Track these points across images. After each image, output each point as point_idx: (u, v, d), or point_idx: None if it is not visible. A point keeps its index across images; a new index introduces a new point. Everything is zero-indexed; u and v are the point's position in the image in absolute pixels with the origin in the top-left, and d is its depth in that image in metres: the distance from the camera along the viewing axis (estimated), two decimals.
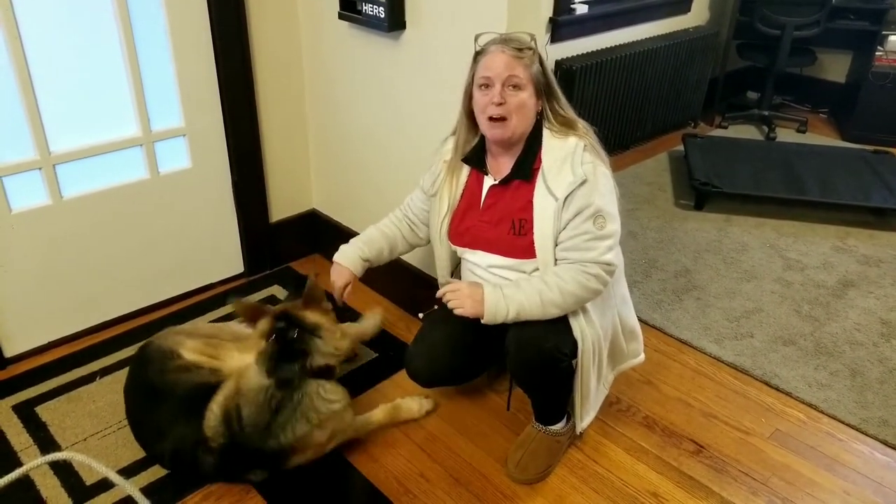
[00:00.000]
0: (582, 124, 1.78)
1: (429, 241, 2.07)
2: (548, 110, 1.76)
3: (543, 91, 1.74)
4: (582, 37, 3.70)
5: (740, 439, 2.10)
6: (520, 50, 1.68)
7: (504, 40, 1.70)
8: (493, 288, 1.72)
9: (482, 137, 1.81)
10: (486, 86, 1.69)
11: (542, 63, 1.72)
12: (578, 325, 1.77)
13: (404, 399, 2.13)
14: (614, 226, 1.71)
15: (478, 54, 1.73)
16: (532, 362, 1.79)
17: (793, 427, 2.16)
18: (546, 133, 1.75)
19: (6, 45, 2.03)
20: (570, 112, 1.78)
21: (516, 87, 1.68)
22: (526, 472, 1.93)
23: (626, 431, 2.12)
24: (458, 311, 1.73)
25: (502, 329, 1.79)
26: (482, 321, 1.72)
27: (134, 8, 2.23)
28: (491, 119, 1.70)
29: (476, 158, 1.85)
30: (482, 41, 1.74)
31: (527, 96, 1.70)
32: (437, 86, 2.26)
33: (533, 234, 1.75)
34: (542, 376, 1.83)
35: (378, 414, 2.07)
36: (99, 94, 2.28)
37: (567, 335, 1.76)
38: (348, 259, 1.97)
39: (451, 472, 1.95)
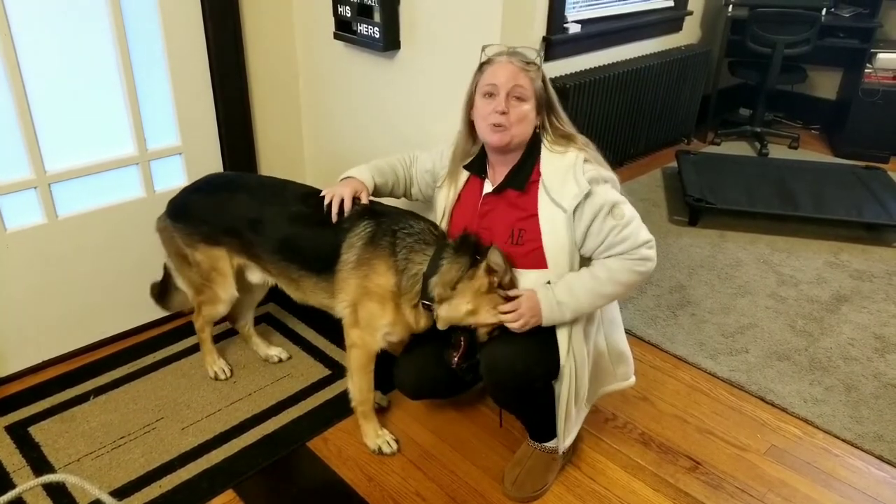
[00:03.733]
0: (581, 139, 1.80)
1: (415, 200, 2.11)
2: (547, 124, 1.78)
3: (544, 105, 1.76)
4: (575, 55, 3.74)
5: (736, 455, 2.10)
6: (527, 63, 1.72)
7: (511, 52, 1.74)
8: (545, 294, 1.71)
9: (484, 146, 1.83)
10: (491, 94, 1.72)
11: (544, 79, 1.76)
12: (563, 347, 1.76)
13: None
14: (629, 208, 1.73)
15: (483, 64, 1.76)
16: (505, 385, 1.81)
17: (788, 442, 2.16)
18: (544, 146, 1.77)
19: (3, 64, 2.05)
20: (569, 127, 1.80)
21: (520, 98, 1.71)
22: (523, 489, 1.92)
23: (622, 448, 2.11)
24: (522, 329, 1.74)
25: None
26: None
27: (131, 27, 2.25)
28: (492, 126, 1.72)
29: (478, 165, 1.87)
30: (489, 52, 1.77)
31: (528, 108, 1.72)
32: (431, 104, 2.28)
33: (532, 243, 1.75)
34: (517, 398, 1.84)
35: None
36: (95, 113, 2.30)
37: (540, 356, 1.76)
38: (361, 175, 1.97)
39: (447, 491, 1.95)
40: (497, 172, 1.83)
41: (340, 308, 1.96)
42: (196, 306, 2.25)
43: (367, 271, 1.87)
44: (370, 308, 1.89)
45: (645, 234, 1.73)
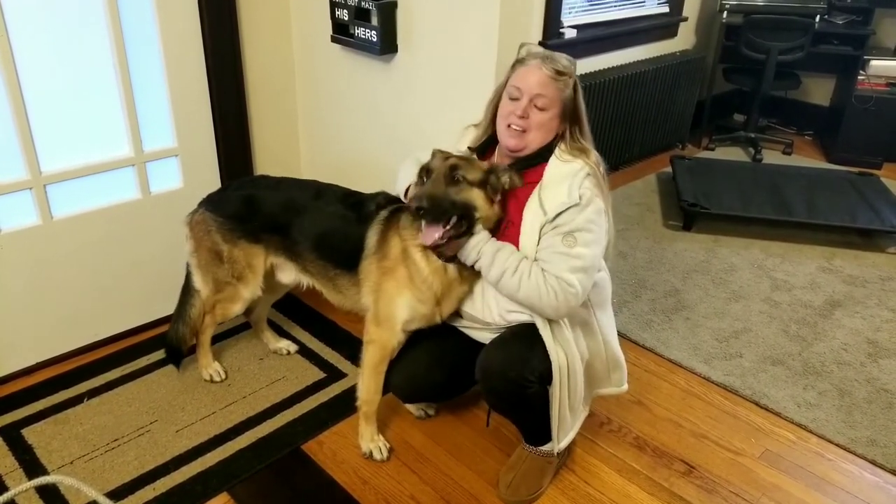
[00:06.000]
0: (595, 157, 1.78)
1: None
2: (567, 134, 1.77)
3: (569, 116, 1.75)
4: None
5: (730, 459, 2.11)
6: (558, 73, 1.70)
7: (545, 58, 1.72)
8: (480, 238, 1.73)
9: (494, 132, 1.83)
10: (515, 98, 1.72)
11: (575, 90, 1.74)
12: (553, 350, 1.75)
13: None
14: (586, 251, 1.67)
15: (517, 63, 1.76)
16: (498, 390, 1.81)
17: (782, 447, 2.17)
18: (556, 153, 1.76)
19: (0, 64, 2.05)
20: (587, 143, 1.79)
21: (542, 107, 1.70)
22: (518, 493, 1.92)
23: (617, 452, 2.12)
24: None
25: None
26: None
27: (128, 30, 2.25)
28: (509, 127, 1.73)
29: (481, 148, 1.86)
30: (524, 52, 1.76)
31: (549, 117, 1.72)
32: (428, 108, 2.29)
33: (512, 237, 1.75)
34: (511, 403, 1.84)
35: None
36: (92, 114, 2.29)
37: (535, 361, 1.76)
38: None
39: (442, 495, 1.94)
40: (502, 161, 1.83)
41: (365, 298, 1.96)
42: (209, 306, 2.23)
43: (384, 250, 1.89)
44: (388, 290, 1.89)
45: (573, 278, 1.65)
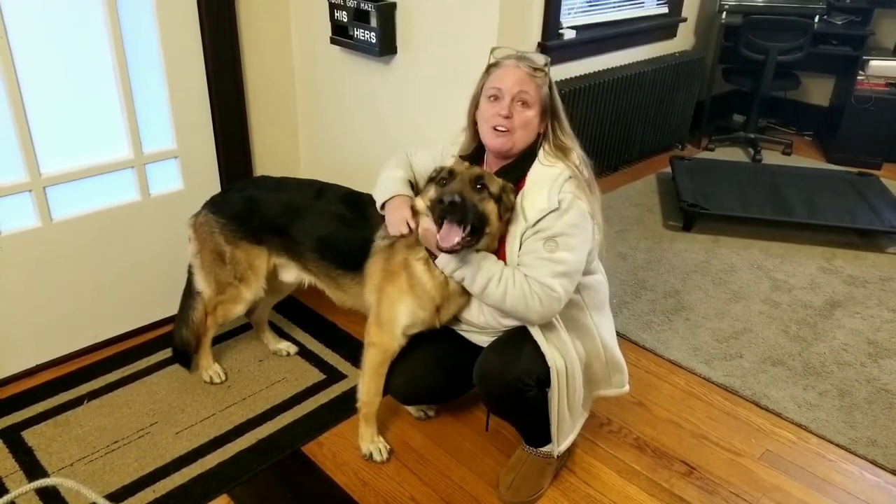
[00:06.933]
0: (577, 155, 1.76)
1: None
2: (549, 133, 1.76)
3: (548, 113, 1.75)
4: (570, 61, 3.75)
5: (731, 460, 2.11)
6: (534, 69, 1.71)
7: (520, 57, 1.73)
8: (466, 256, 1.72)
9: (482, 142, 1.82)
10: (496, 97, 1.71)
11: (551, 87, 1.75)
12: (550, 354, 1.75)
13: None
14: (568, 256, 1.66)
15: (491, 66, 1.76)
16: (496, 394, 1.81)
17: (783, 447, 2.17)
18: (539, 155, 1.75)
19: None
20: (569, 140, 1.78)
21: (525, 103, 1.70)
22: (518, 494, 1.92)
23: (617, 453, 2.12)
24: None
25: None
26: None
27: (127, 31, 2.25)
28: (494, 129, 1.72)
29: (473, 157, 1.86)
30: (497, 54, 1.77)
31: (532, 115, 1.72)
32: (427, 109, 2.29)
33: (501, 244, 1.75)
34: (509, 406, 1.85)
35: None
36: (91, 116, 2.29)
37: (532, 364, 1.75)
38: (399, 188, 1.88)
39: (442, 496, 1.94)
40: (492, 168, 1.83)
41: (368, 296, 1.97)
42: (211, 307, 2.23)
43: (389, 254, 1.89)
44: (391, 295, 1.88)
45: (555, 283, 1.64)
